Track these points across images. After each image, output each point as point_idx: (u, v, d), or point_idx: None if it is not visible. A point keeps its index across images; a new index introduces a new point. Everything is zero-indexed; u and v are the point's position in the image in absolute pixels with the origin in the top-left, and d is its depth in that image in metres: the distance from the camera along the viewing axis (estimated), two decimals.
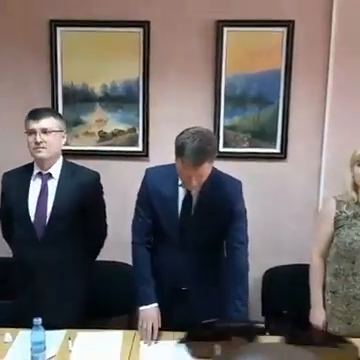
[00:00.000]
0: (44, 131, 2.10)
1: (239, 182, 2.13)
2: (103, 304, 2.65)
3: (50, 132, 2.11)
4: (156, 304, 2.10)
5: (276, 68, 2.87)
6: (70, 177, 2.19)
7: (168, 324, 2.10)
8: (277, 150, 2.95)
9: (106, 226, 2.36)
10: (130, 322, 2.87)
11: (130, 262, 2.81)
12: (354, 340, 2.07)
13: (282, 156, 2.96)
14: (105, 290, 2.70)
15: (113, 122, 2.95)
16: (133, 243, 2.19)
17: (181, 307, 2.13)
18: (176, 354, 1.97)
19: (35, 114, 2.13)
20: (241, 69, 2.87)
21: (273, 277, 2.94)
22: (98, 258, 2.43)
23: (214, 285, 2.16)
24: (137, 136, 2.96)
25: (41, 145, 2.10)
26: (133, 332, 2.16)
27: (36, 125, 2.10)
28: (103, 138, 2.98)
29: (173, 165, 2.06)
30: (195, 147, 1.85)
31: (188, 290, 2.13)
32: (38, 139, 2.09)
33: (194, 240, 2.09)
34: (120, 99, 2.92)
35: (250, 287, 2.18)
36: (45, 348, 1.86)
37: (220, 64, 2.85)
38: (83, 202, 2.16)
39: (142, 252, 2.16)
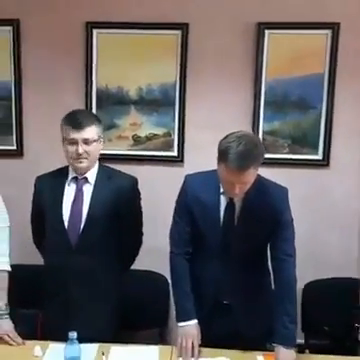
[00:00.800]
0: (85, 142, 2.00)
1: (286, 189, 2.01)
2: (134, 316, 2.56)
3: (92, 142, 2.02)
4: (196, 320, 1.99)
5: (319, 72, 2.74)
6: (106, 181, 2.09)
7: (208, 339, 1.98)
8: (319, 157, 2.82)
9: (142, 234, 2.25)
10: (162, 336, 2.79)
11: (163, 272, 2.76)
12: None
13: (325, 163, 2.82)
14: (137, 301, 2.60)
15: (148, 126, 2.86)
16: (171, 253, 2.08)
17: (222, 322, 2.01)
18: None
19: (76, 122, 1.99)
20: (282, 73, 2.75)
21: (313, 291, 2.80)
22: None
23: (257, 299, 2.03)
24: (172, 140, 2.87)
25: (83, 156, 2.01)
26: (170, 347, 2.05)
27: (77, 135, 1.99)
28: (137, 142, 2.89)
29: (214, 172, 1.96)
30: (240, 151, 1.74)
31: (230, 304, 2.02)
32: (80, 150, 1.99)
33: (237, 251, 1.97)
34: (155, 102, 2.83)
35: None
36: None
37: (260, 67, 2.74)
38: (119, 208, 2.07)
39: (181, 263, 2.05)
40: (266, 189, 1.96)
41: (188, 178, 2.05)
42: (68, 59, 2.84)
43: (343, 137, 2.80)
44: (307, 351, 2.09)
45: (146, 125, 2.86)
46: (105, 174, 2.12)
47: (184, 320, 1.99)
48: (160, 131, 2.87)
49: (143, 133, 2.88)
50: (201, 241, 2.02)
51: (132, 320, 2.48)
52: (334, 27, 2.69)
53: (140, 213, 2.20)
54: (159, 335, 2.78)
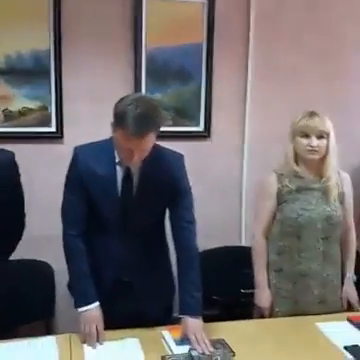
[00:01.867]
0: None
1: (181, 156, 1.94)
2: (15, 309, 2.29)
3: None
4: (97, 303, 1.85)
5: (198, 42, 2.74)
6: None
7: (111, 322, 1.85)
8: (200, 128, 2.84)
9: (25, 215, 2.00)
10: (49, 328, 2.59)
11: (46, 259, 2.58)
12: (300, 318, 2.08)
13: (206, 135, 2.85)
14: (17, 293, 2.35)
15: (20, 99, 2.57)
16: (66, 234, 1.89)
17: (124, 301, 1.89)
18: (126, 352, 1.76)
19: None
20: (162, 41, 2.68)
21: (201, 262, 2.81)
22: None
23: (158, 275, 1.96)
24: (49, 115, 2.63)
25: None
26: (67, 335, 1.87)
27: None
28: (9, 118, 2.58)
29: (106, 141, 1.84)
30: (139, 114, 1.62)
31: (131, 281, 1.91)
32: None
33: (137, 224, 1.86)
34: (27, 72, 2.54)
35: None
36: None
37: (140, 34, 2.63)
38: None
39: (78, 244, 1.87)
40: (162, 156, 1.88)
41: (78, 150, 1.87)
42: None
43: (223, 108, 2.85)
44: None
45: (18, 98, 2.57)
46: None
47: (85, 304, 1.83)
48: (35, 105, 2.60)
49: (15, 107, 2.58)
50: (97, 217, 1.87)
51: (13, 314, 2.19)
52: None
53: (21, 191, 1.95)
54: (46, 327, 2.58)
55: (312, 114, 2.07)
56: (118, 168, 1.82)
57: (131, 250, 1.87)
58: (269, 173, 2.18)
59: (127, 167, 1.81)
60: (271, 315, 2.16)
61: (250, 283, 2.26)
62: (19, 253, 2.02)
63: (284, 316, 2.13)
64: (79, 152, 1.86)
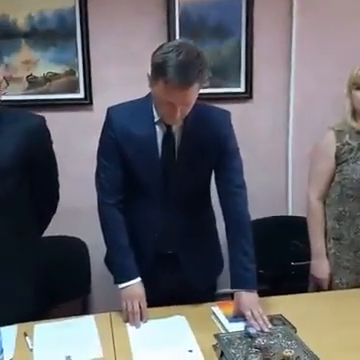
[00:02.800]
0: None
1: (228, 113, 1.73)
2: (51, 288, 2.15)
3: None
4: (139, 279, 1.67)
5: None
6: (12, 123, 1.63)
7: (154, 298, 1.68)
8: (241, 89, 2.60)
9: (58, 185, 1.84)
10: (85, 306, 2.48)
11: (79, 235, 2.44)
12: (350, 291, 1.88)
13: (247, 96, 2.62)
14: (52, 271, 2.19)
15: (45, 63, 2.40)
16: (102, 204, 1.71)
17: (168, 275, 1.73)
18: (174, 331, 1.60)
19: None
20: None
21: None
22: None
23: (204, 246, 1.78)
24: (77, 80, 2.45)
25: None
26: (107, 314, 1.72)
27: None
28: (33, 84, 2.41)
29: (143, 99, 1.66)
30: (181, 62, 1.42)
31: (175, 253, 1.73)
32: None
33: (179, 189, 1.67)
34: (52, 34, 2.36)
35: None
36: (2, 351, 1.35)
37: None
38: (31, 153, 1.62)
39: (115, 215, 1.69)
40: (207, 113, 1.67)
41: (112, 111, 1.68)
42: None
43: (265, 66, 2.61)
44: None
45: (43, 63, 2.40)
46: (9, 116, 1.64)
47: (125, 280, 1.66)
48: (61, 69, 2.43)
49: (40, 73, 2.41)
50: (136, 184, 1.68)
51: (48, 294, 2.05)
52: None
53: (54, 158, 1.78)
54: (82, 306, 2.47)
55: None
56: (157, 128, 1.63)
57: (174, 219, 1.69)
58: (327, 130, 1.95)
59: (168, 126, 1.62)
60: (330, 288, 1.97)
61: (301, 255, 2.11)
62: (51, 229, 1.88)
63: (345, 288, 1.94)
64: (113, 112, 1.67)
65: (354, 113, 1.89)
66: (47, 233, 1.88)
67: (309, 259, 2.04)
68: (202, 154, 1.65)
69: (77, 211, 2.50)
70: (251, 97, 2.63)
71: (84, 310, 2.41)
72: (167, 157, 1.64)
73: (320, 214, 1.97)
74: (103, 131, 1.70)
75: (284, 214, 2.78)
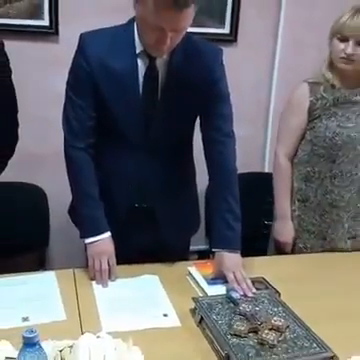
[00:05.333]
0: None
1: (220, 50, 1.52)
2: (4, 239, 1.97)
3: None
4: (109, 233, 1.50)
5: None
6: None
7: (124, 254, 1.50)
8: (226, 30, 2.38)
9: (18, 124, 1.58)
10: (41, 261, 2.29)
11: (38, 182, 2.22)
12: (329, 255, 1.78)
13: (231, 38, 2.39)
14: (7, 220, 2.00)
15: None
16: (69, 147, 1.49)
17: (141, 231, 1.55)
18: (145, 292, 1.44)
19: None
20: None
21: None
22: None
23: (183, 200, 1.61)
24: (41, 4, 2.14)
25: None
26: (70, 270, 1.54)
27: None
28: None
29: (122, 26, 1.43)
30: None
31: (151, 207, 1.55)
32: None
33: (160, 134, 1.46)
34: None
35: None
36: None
37: None
38: None
39: (84, 159, 1.48)
40: (197, 49, 1.45)
41: (86, 38, 1.42)
42: None
43: (253, 6, 2.38)
44: (212, 257, 1.78)
45: None
46: None
47: (94, 234, 1.48)
48: None
49: None
50: (110, 126, 1.47)
51: (1, 245, 1.92)
52: None
53: (14, 90, 1.51)
54: (38, 261, 2.28)
55: (358, 11, 1.63)
56: (139, 61, 1.40)
57: (152, 169, 1.50)
58: (299, 83, 1.78)
59: (151, 59, 1.39)
60: (292, 252, 1.86)
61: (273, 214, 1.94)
62: (5, 174, 1.64)
63: (308, 253, 1.83)
64: (88, 40, 1.41)
65: (331, 64, 1.72)
66: (1, 178, 1.64)
67: None
68: (189, 95, 1.44)
69: (37, 156, 2.29)
70: (235, 40, 2.41)
71: (41, 265, 2.24)
72: (148, 95, 1.42)
73: (287, 173, 1.83)
74: (74, 61, 1.45)
75: (260, 170, 2.63)
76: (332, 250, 1.81)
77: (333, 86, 1.72)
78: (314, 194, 1.80)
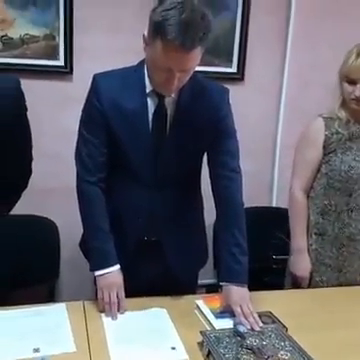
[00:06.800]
0: None
1: (227, 89, 1.58)
2: (14, 271, 1.97)
3: None
4: (118, 266, 1.52)
5: None
6: None
7: (133, 287, 1.52)
8: (233, 69, 2.45)
9: (32, 158, 1.64)
10: (51, 293, 2.29)
11: (49, 215, 2.25)
12: (345, 289, 1.78)
13: (239, 77, 2.47)
14: (17, 253, 2.02)
15: (22, 24, 2.17)
16: (82, 182, 1.54)
17: (149, 264, 1.57)
18: (153, 325, 1.45)
19: None
20: None
21: None
22: None
23: (190, 233, 1.64)
24: (57, 45, 2.23)
25: None
26: (80, 303, 1.55)
27: None
28: (8, 46, 2.18)
29: (133, 68, 1.49)
30: (185, 20, 1.25)
31: (159, 240, 1.58)
32: None
33: (169, 171, 1.51)
34: None
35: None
36: None
37: None
38: (2, 117, 1.42)
39: (96, 194, 1.52)
40: (203, 88, 1.52)
41: (100, 79, 1.49)
42: None
43: (260, 46, 2.46)
44: (220, 291, 1.79)
45: (20, 23, 2.17)
46: None
47: (104, 267, 1.50)
48: (40, 32, 2.20)
49: (16, 34, 2.18)
50: (121, 162, 1.52)
51: (12, 277, 1.87)
52: None
53: (29, 127, 1.58)
54: (48, 292, 2.28)
55: None
56: (149, 100, 1.47)
57: (161, 203, 1.54)
58: (315, 118, 1.82)
59: (160, 98, 1.45)
60: (309, 286, 1.86)
61: (283, 248, 1.98)
62: (18, 208, 1.67)
63: (325, 286, 1.83)
64: (101, 81, 1.48)
65: (344, 103, 1.77)
66: (15, 211, 1.69)
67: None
68: (196, 132, 1.49)
69: (49, 190, 2.33)
70: (242, 79, 2.48)
71: (51, 297, 2.24)
72: (157, 132, 1.48)
73: (303, 207, 1.84)
74: (88, 101, 1.51)
75: (268, 205, 2.66)
76: (347, 283, 1.82)
77: (348, 121, 1.77)
78: (331, 227, 1.81)
